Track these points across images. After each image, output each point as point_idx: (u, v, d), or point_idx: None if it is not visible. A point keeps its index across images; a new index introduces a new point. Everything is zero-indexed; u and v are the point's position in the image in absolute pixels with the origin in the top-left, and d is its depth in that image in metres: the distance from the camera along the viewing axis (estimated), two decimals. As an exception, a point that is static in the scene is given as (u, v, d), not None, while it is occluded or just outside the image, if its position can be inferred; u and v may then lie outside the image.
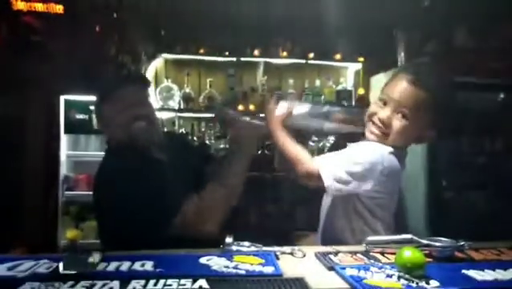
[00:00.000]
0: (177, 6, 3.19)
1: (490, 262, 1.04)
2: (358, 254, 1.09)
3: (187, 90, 3.19)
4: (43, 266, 0.96)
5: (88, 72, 2.88)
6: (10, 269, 0.94)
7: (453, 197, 2.67)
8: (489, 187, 2.74)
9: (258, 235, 1.20)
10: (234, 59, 3.23)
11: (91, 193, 1.49)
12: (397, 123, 1.29)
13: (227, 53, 3.23)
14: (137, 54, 3.10)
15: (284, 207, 2.88)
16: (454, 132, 2.62)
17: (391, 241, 1.13)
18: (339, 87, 3.35)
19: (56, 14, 3.10)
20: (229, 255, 1.03)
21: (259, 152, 2.34)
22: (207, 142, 3.13)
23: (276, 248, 1.11)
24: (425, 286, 0.86)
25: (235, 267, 0.95)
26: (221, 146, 3.05)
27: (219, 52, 3.23)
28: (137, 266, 0.95)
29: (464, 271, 0.95)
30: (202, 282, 0.86)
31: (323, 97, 3.31)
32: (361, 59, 3.38)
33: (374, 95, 3.24)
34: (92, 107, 2.99)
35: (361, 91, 3.37)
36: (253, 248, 1.11)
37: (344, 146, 1.43)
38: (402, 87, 1.29)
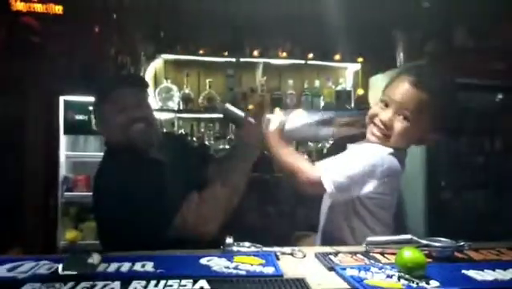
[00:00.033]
0: (176, 7, 3.19)
1: (490, 263, 1.05)
2: (358, 255, 1.10)
3: (186, 90, 3.19)
4: (44, 267, 0.96)
5: (88, 73, 2.88)
6: (10, 270, 0.94)
7: (451, 198, 2.67)
8: (488, 187, 2.74)
9: (257, 236, 1.20)
10: (234, 59, 3.23)
11: (90, 193, 1.49)
12: (399, 124, 1.30)
13: (226, 53, 3.22)
14: (136, 55, 3.10)
15: (284, 208, 2.88)
16: (453, 133, 2.62)
17: (391, 241, 1.14)
18: (339, 88, 3.35)
19: (55, 14, 3.10)
20: (229, 256, 1.04)
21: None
22: (206, 143, 3.13)
23: (276, 248, 1.11)
24: (425, 286, 0.87)
25: (235, 268, 0.95)
26: (221, 147, 3.05)
27: (218, 53, 3.22)
28: (138, 266, 0.96)
29: (464, 271, 0.96)
30: (203, 282, 0.86)
31: (322, 97, 3.32)
32: (360, 60, 3.38)
33: (373, 96, 3.25)
34: (91, 108, 3.02)
35: (360, 91, 3.38)
36: (253, 248, 1.11)
37: (343, 146, 1.43)
38: (404, 88, 1.30)
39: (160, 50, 3.16)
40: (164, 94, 3.13)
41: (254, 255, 1.05)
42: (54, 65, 2.91)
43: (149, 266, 0.95)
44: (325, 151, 3.01)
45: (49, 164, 2.93)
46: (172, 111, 3.14)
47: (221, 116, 1.54)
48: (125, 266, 0.96)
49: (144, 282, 0.86)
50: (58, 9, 3.11)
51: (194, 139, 3.14)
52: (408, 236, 1.11)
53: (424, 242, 1.09)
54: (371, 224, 1.32)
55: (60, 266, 0.92)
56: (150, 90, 2.65)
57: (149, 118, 1.48)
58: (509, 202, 2.60)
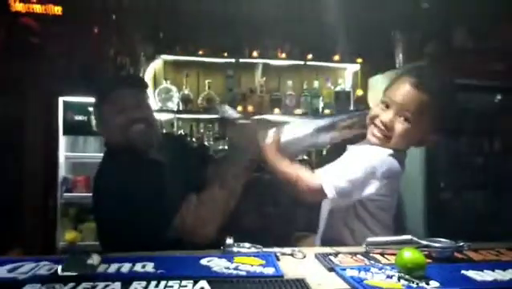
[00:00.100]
0: (176, 8, 3.20)
1: (489, 263, 1.05)
2: (358, 255, 1.10)
3: (186, 91, 3.19)
4: (44, 268, 0.96)
5: (87, 74, 2.88)
6: (10, 271, 0.94)
7: (451, 198, 2.67)
8: (487, 188, 2.75)
9: (257, 236, 1.20)
10: (233, 60, 3.23)
11: (89, 194, 1.49)
12: (399, 126, 1.30)
13: (226, 54, 3.23)
14: (136, 56, 3.10)
15: (283, 208, 2.88)
16: (452, 133, 2.63)
17: (391, 242, 1.14)
18: (338, 89, 3.35)
19: (55, 15, 3.10)
20: (229, 256, 1.04)
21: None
22: (206, 143, 3.13)
23: (276, 249, 1.12)
24: (425, 286, 0.87)
25: (236, 268, 0.95)
26: (220, 147, 3.05)
27: (218, 53, 3.23)
28: (138, 267, 0.96)
29: (463, 272, 0.96)
30: (203, 283, 0.86)
31: (321, 98, 3.32)
32: (359, 60, 3.38)
33: (372, 96, 3.25)
34: (91, 109, 3.01)
35: (359, 92, 3.38)
36: (253, 249, 1.11)
37: (343, 147, 1.44)
38: (405, 90, 1.30)
39: (159, 51, 3.17)
40: (163, 94, 3.13)
41: (254, 256, 1.05)
42: (53, 66, 2.91)
43: (150, 267, 0.95)
44: (324, 152, 3.01)
45: (48, 164, 2.94)
46: (172, 111, 3.14)
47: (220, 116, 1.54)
48: (125, 267, 0.95)
49: (144, 283, 0.86)
50: (57, 9, 3.11)
51: (193, 139, 3.15)
52: (408, 236, 1.11)
53: (424, 242, 1.09)
54: (371, 225, 1.32)
55: (60, 267, 0.92)
56: (149, 91, 2.64)
57: (149, 119, 1.48)
58: (509, 203, 2.60)
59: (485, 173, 2.75)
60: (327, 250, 1.17)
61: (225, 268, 0.96)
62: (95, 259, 0.96)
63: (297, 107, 3.28)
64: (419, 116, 1.28)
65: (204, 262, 1.00)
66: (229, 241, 1.11)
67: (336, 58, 3.37)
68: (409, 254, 0.94)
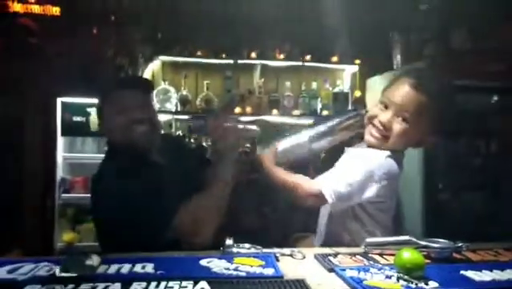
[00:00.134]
0: (174, 9, 3.20)
1: (488, 263, 1.06)
2: (357, 256, 1.10)
3: (184, 92, 3.19)
4: (43, 269, 0.96)
5: (85, 74, 2.87)
6: (10, 272, 0.94)
7: (449, 199, 2.68)
8: (485, 189, 2.75)
9: (256, 237, 1.20)
10: (231, 61, 3.24)
11: (87, 195, 1.48)
12: (398, 126, 1.30)
13: (224, 55, 3.23)
14: (134, 57, 3.10)
15: (283, 209, 2.88)
16: (450, 134, 2.63)
17: (390, 242, 1.14)
18: (336, 90, 3.36)
19: (53, 16, 3.09)
20: (229, 257, 1.04)
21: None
22: (204, 144, 3.13)
23: (276, 250, 1.12)
24: (424, 286, 0.87)
25: (235, 269, 0.96)
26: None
27: (216, 54, 3.23)
28: (138, 268, 0.96)
29: (462, 272, 0.96)
30: (203, 284, 0.86)
31: (319, 99, 3.33)
32: (358, 62, 3.39)
33: (370, 97, 3.26)
34: (89, 110, 3.01)
35: (358, 93, 3.39)
36: (253, 250, 1.11)
37: (341, 149, 1.44)
38: (404, 91, 1.30)
39: (157, 52, 3.17)
40: (161, 95, 3.13)
41: (254, 257, 1.05)
42: (51, 66, 2.90)
43: (149, 268, 0.95)
44: (323, 154, 3.01)
45: (46, 165, 2.93)
46: (170, 112, 3.14)
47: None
48: (125, 268, 0.95)
49: (144, 284, 0.86)
50: (55, 10, 3.10)
51: (192, 140, 3.14)
52: (407, 237, 1.12)
53: (423, 243, 1.09)
54: (370, 227, 1.32)
55: (57, 269, 0.92)
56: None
57: (153, 119, 1.49)
58: (507, 204, 2.61)
59: (484, 174, 2.75)
60: (327, 250, 1.17)
61: (225, 269, 0.96)
62: (94, 260, 0.96)
63: (295, 108, 3.29)
64: (417, 116, 1.29)
65: (204, 262, 1.00)
66: (229, 242, 1.11)
67: (335, 59, 3.38)
68: (408, 255, 0.94)
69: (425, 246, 1.08)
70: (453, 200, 2.67)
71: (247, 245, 1.12)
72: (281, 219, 2.75)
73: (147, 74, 3.20)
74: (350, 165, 1.31)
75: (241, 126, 1.42)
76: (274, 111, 3.25)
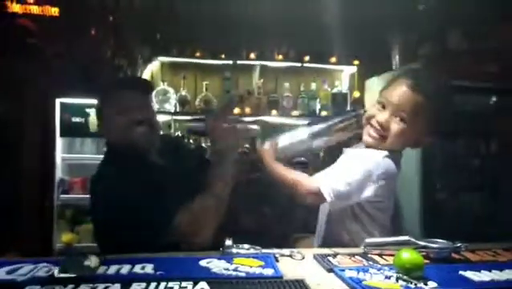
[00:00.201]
0: (173, 9, 3.20)
1: (486, 263, 1.06)
2: (356, 256, 1.10)
3: (183, 93, 3.19)
4: (43, 270, 0.96)
5: (84, 75, 2.87)
6: (9, 273, 0.94)
7: (447, 199, 2.68)
8: (483, 189, 2.76)
9: (256, 237, 1.20)
10: (230, 62, 3.24)
11: (86, 196, 1.49)
12: (395, 126, 1.31)
13: (223, 56, 3.24)
14: (133, 57, 3.10)
15: (282, 209, 2.88)
16: (448, 135, 2.64)
17: (389, 243, 1.14)
18: (335, 90, 3.37)
19: (52, 16, 3.09)
20: (228, 258, 1.04)
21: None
22: (203, 145, 3.13)
23: (275, 250, 1.12)
24: (423, 287, 0.88)
25: (235, 270, 0.96)
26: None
27: (215, 55, 3.23)
28: (137, 269, 0.95)
29: (461, 272, 0.97)
30: (203, 284, 0.86)
31: (318, 100, 3.34)
32: (356, 62, 3.40)
33: (369, 98, 3.27)
34: (88, 111, 3.01)
35: (356, 93, 3.40)
36: (252, 250, 1.11)
37: (339, 149, 1.45)
38: (401, 91, 1.31)
39: (156, 53, 3.17)
40: (160, 96, 3.13)
41: (254, 257, 1.05)
42: (50, 67, 2.90)
43: (149, 269, 0.95)
44: (321, 154, 3.02)
45: (45, 166, 2.93)
46: (169, 113, 3.14)
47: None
48: (125, 269, 0.95)
49: (144, 285, 0.86)
50: (54, 11, 3.10)
51: (191, 141, 3.14)
52: (406, 237, 1.12)
53: (422, 243, 1.09)
54: (369, 227, 1.33)
55: (56, 270, 0.92)
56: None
57: (153, 120, 1.49)
58: (505, 204, 2.62)
59: (481, 174, 2.76)
60: (326, 251, 1.18)
61: (225, 269, 0.96)
62: (92, 261, 0.96)
63: (294, 108, 3.29)
64: (414, 116, 1.29)
65: (203, 263, 1.00)
66: (229, 242, 1.11)
67: (333, 60, 3.39)
68: (407, 255, 0.94)
69: (424, 247, 1.08)
70: (451, 200, 2.67)
71: (246, 245, 1.12)
72: (280, 219, 2.76)
73: (146, 74, 3.20)
74: (348, 165, 1.31)
75: (240, 126, 1.42)
76: (273, 112, 3.26)
